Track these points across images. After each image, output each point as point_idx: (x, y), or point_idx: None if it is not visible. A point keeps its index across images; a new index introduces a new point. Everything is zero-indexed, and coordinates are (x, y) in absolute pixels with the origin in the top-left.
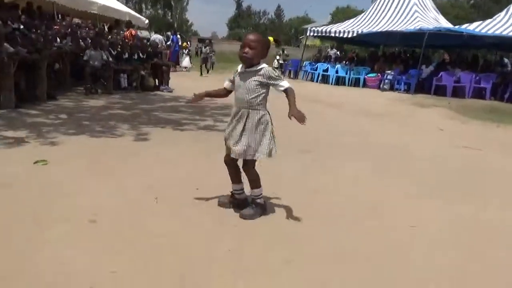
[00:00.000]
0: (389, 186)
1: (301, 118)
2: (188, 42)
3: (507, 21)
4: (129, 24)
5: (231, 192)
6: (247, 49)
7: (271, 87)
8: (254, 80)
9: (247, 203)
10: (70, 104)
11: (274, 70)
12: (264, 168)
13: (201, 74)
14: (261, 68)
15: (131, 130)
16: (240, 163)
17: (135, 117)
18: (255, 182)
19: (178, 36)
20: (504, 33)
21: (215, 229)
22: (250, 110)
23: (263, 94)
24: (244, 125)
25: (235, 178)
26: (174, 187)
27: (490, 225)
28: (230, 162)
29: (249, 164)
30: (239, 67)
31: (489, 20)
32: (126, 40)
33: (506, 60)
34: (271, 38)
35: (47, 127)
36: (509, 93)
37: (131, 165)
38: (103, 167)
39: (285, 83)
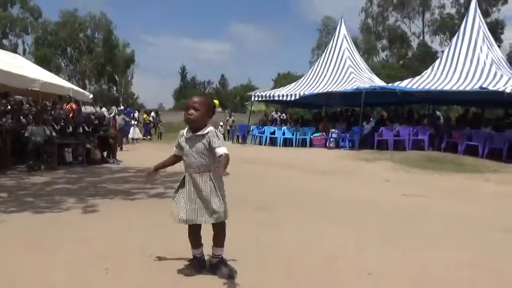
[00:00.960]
0: (343, 235)
1: (224, 166)
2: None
3: (434, 77)
4: (69, 98)
5: (193, 256)
6: (191, 111)
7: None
8: (202, 144)
9: (206, 263)
10: (11, 183)
11: (216, 134)
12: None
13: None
14: (208, 132)
15: (78, 203)
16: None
17: (82, 190)
18: (222, 241)
19: (131, 110)
20: (433, 87)
21: None
22: (203, 173)
23: (213, 156)
24: (201, 190)
25: (196, 243)
26: (126, 256)
27: (439, 265)
28: (194, 231)
29: (222, 225)
30: (184, 131)
31: (417, 77)
32: (68, 113)
33: (438, 112)
34: (216, 101)
35: None
36: (445, 143)
37: (80, 238)
38: (49, 241)
39: (222, 149)
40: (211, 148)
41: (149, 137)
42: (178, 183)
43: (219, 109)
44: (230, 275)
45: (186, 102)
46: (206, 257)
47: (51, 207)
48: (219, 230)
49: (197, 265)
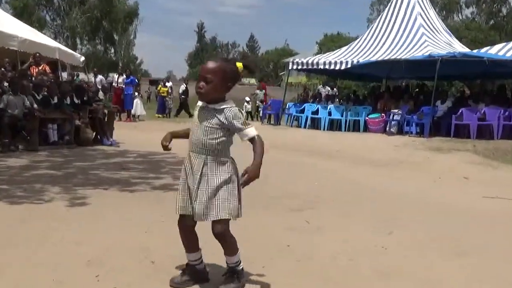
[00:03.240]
0: (401, 246)
1: (250, 180)
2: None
3: None
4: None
5: (187, 263)
6: (201, 83)
7: (235, 134)
8: (214, 120)
9: (206, 276)
10: None
11: (240, 112)
12: (245, 229)
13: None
14: (224, 108)
15: (63, 194)
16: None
17: (69, 177)
18: (230, 247)
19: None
20: None
21: None
22: (208, 157)
23: (224, 141)
24: (201, 176)
25: (191, 245)
26: (121, 260)
27: None
28: (185, 225)
29: (220, 226)
30: (200, 102)
31: None
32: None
33: None
34: (239, 65)
35: None
36: None
37: (65, 235)
38: (27, 240)
39: (251, 131)
40: (223, 129)
41: (161, 115)
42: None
43: (252, 80)
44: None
45: (199, 70)
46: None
47: (30, 197)
48: (216, 233)
49: (191, 275)
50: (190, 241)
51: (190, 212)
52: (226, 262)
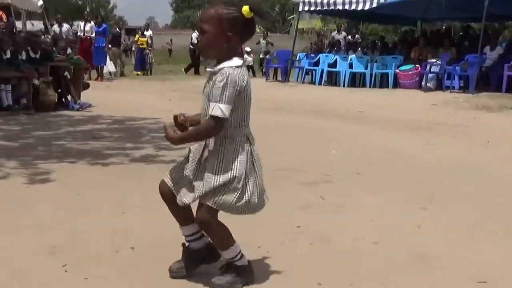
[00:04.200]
0: (440, 226)
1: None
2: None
3: None
4: None
5: (182, 244)
6: (199, 35)
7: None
8: (208, 86)
9: (212, 253)
10: None
11: (231, 78)
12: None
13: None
14: (220, 69)
15: (21, 169)
16: None
17: (27, 149)
18: (221, 240)
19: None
20: None
21: None
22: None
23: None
24: (199, 161)
25: (183, 217)
26: (93, 247)
27: None
28: (169, 194)
29: (207, 212)
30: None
31: None
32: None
33: None
34: (245, 8)
35: None
36: None
37: (23, 219)
38: None
39: (216, 109)
40: None
41: (140, 72)
42: None
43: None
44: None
45: None
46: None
47: None
48: (200, 221)
49: (188, 258)
50: (180, 212)
51: (175, 189)
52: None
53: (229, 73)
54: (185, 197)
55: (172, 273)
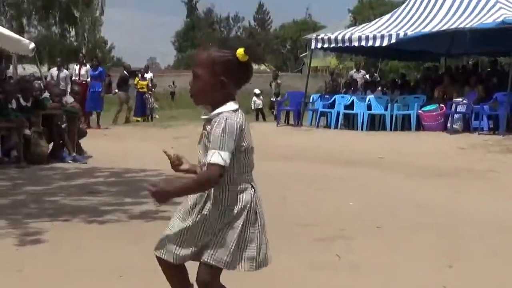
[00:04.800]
0: (471, 280)
1: (153, 194)
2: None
3: None
4: None
5: None
6: (191, 81)
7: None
8: (204, 135)
9: None
10: None
11: (229, 123)
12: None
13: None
14: (217, 114)
15: (11, 229)
16: None
17: (18, 207)
18: None
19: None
20: None
21: None
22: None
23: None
24: (202, 209)
25: (179, 282)
26: None
27: None
28: (169, 264)
29: (209, 275)
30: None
31: None
32: None
33: None
34: (240, 51)
35: None
36: None
37: (13, 285)
38: None
39: (215, 156)
40: None
41: (140, 118)
42: None
43: (262, 66)
44: None
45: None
46: None
47: None
48: (201, 281)
49: None
50: (179, 280)
51: (175, 258)
52: None
53: (226, 118)
54: (184, 252)
55: None
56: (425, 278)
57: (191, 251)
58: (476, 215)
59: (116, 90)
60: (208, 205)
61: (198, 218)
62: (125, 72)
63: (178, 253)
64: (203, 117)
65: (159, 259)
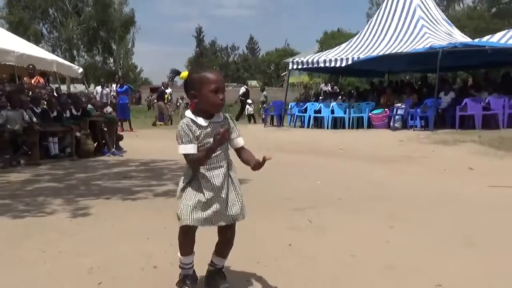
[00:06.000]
0: (408, 240)
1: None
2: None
3: None
4: (33, 70)
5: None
6: (222, 94)
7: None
8: (233, 127)
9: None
10: None
11: (180, 127)
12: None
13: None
14: (227, 116)
15: (66, 206)
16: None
17: (71, 189)
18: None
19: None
20: None
21: None
22: (229, 162)
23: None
24: (229, 181)
25: (192, 248)
26: (123, 268)
27: None
28: (193, 233)
29: (235, 230)
30: (200, 120)
31: None
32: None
33: None
34: (183, 73)
35: None
36: None
37: (67, 246)
38: (29, 252)
39: (242, 140)
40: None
41: (162, 123)
42: None
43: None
44: None
45: (214, 82)
46: None
47: (32, 211)
48: (233, 234)
49: (193, 280)
50: (193, 245)
51: (219, 220)
52: (217, 264)
53: (181, 124)
54: (240, 216)
55: None
56: (373, 235)
57: (215, 217)
58: (412, 189)
59: (155, 101)
60: (233, 175)
61: (228, 183)
62: (162, 87)
63: (213, 218)
64: (215, 120)
65: (188, 227)
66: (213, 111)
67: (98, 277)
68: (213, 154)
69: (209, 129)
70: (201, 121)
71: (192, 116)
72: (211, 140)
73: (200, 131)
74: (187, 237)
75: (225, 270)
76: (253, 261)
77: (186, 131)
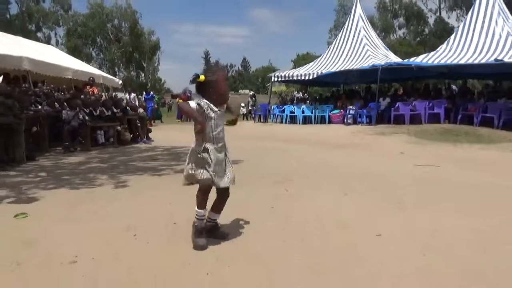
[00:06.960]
0: (357, 204)
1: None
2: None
3: (449, 51)
4: (92, 82)
5: (207, 221)
6: (228, 90)
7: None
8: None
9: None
10: (49, 163)
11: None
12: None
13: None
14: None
15: (110, 180)
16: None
17: (113, 168)
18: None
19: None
20: (448, 62)
21: (192, 256)
22: (225, 143)
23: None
24: (225, 157)
25: (206, 204)
26: (152, 224)
27: (447, 229)
28: (210, 190)
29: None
30: (212, 105)
31: (433, 53)
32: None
33: (454, 86)
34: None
35: (27, 185)
36: (460, 115)
37: (111, 209)
38: (83, 213)
39: None
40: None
41: (179, 120)
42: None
43: (246, 91)
44: (226, 235)
45: (223, 80)
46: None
47: (85, 184)
48: (228, 195)
49: (207, 230)
50: (206, 201)
51: (222, 183)
52: (214, 219)
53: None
54: (233, 182)
55: (198, 246)
56: (331, 202)
57: (221, 180)
58: (360, 167)
59: (177, 100)
60: (227, 152)
61: (226, 158)
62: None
63: (218, 181)
64: (220, 110)
65: (207, 186)
66: (222, 103)
67: (133, 231)
68: (215, 134)
69: (219, 113)
70: (213, 107)
71: (208, 102)
72: (218, 121)
73: (213, 113)
74: (205, 193)
75: (220, 225)
76: (244, 219)
77: (206, 105)
